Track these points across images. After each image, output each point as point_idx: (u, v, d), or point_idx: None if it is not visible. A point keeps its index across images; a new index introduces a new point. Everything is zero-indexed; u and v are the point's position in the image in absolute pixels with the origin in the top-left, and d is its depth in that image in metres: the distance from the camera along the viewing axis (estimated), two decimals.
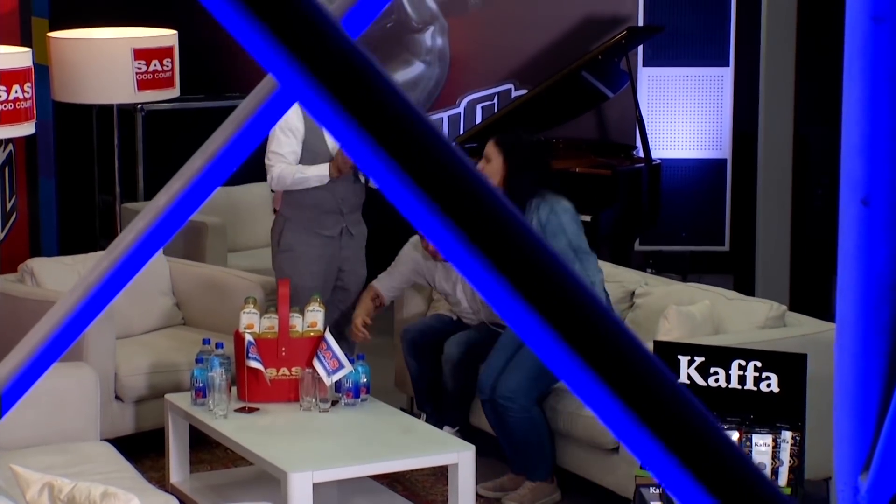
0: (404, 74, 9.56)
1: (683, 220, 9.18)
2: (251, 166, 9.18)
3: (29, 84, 6.23)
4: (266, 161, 6.52)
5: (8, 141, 7.55)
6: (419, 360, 6.62)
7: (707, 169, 9.42)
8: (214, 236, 8.01)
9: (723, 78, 9.39)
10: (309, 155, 6.47)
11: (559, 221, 5.98)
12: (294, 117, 6.42)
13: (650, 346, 5.03)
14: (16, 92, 6.15)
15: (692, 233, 9.33)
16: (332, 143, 6.46)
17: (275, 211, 6.70)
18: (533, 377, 5.99)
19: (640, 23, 9.25)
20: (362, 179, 6.55)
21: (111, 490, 4.12)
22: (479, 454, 5.54)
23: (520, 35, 9.60)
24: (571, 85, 8.48)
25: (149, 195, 8.82)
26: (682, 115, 9.34)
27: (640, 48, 9.22)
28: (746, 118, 9.39)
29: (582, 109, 8.90)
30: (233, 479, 6.15)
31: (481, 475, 5.84)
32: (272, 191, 6.96)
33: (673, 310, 5.65)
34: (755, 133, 9.40)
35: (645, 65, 9.30)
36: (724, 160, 9.44)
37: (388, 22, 9.62)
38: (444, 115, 9.62)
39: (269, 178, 6.54)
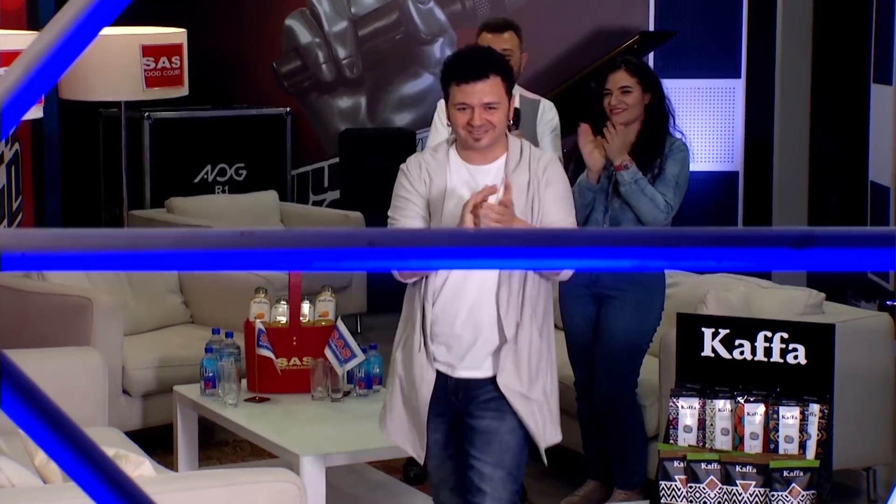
0: (413, 87, 9.48)
1: None
2: (257, 174, 9.12)
3: None
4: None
5: (14, 140, 7.45)
6: None
7: (718, 181, 9.33)
8: None
9: (734, 90, 9.31)
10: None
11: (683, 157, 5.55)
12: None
13: (673, 321, 4.92)
14: None
15: None
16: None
17: None
18: (628, 366, 5.52)
19: None
20: None
21: (122, 453, 4.00)
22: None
23: (529, 47, 9.50)
24: (583, 92, 8.38)
25: (155, 203, 8.72)
26: (693, 127, 9.24)
27: (651, 59, 9.13)
28: (759, 130, 9.30)
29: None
30: None
31: (549, 486, 5.78)
32: None
33: (712, 294, 5.48)
34: (769, 144, 9.31)
35: None
36: (736, 172, 9.35)
37: (397, 34, 9.54)
38: None
39: None
